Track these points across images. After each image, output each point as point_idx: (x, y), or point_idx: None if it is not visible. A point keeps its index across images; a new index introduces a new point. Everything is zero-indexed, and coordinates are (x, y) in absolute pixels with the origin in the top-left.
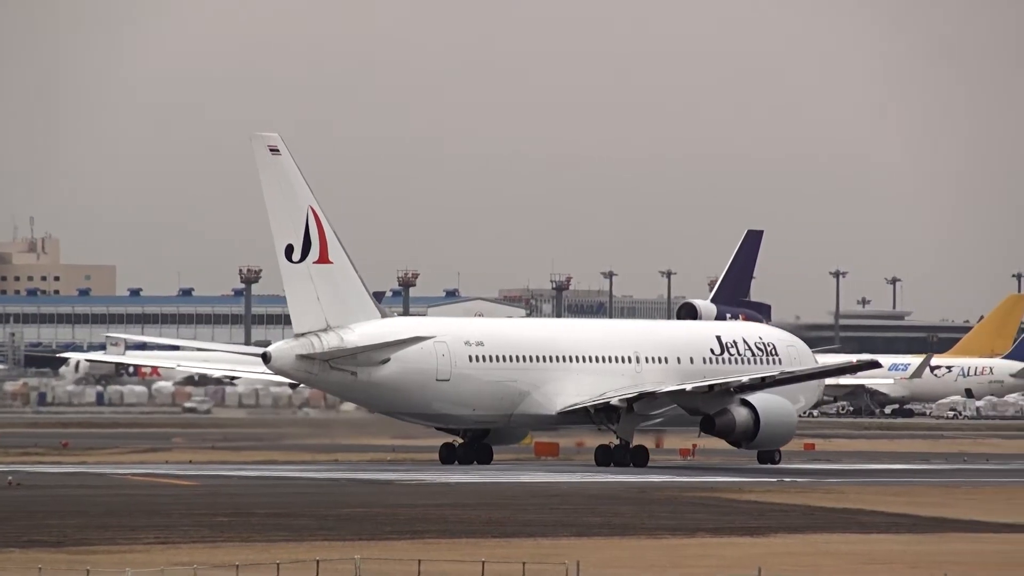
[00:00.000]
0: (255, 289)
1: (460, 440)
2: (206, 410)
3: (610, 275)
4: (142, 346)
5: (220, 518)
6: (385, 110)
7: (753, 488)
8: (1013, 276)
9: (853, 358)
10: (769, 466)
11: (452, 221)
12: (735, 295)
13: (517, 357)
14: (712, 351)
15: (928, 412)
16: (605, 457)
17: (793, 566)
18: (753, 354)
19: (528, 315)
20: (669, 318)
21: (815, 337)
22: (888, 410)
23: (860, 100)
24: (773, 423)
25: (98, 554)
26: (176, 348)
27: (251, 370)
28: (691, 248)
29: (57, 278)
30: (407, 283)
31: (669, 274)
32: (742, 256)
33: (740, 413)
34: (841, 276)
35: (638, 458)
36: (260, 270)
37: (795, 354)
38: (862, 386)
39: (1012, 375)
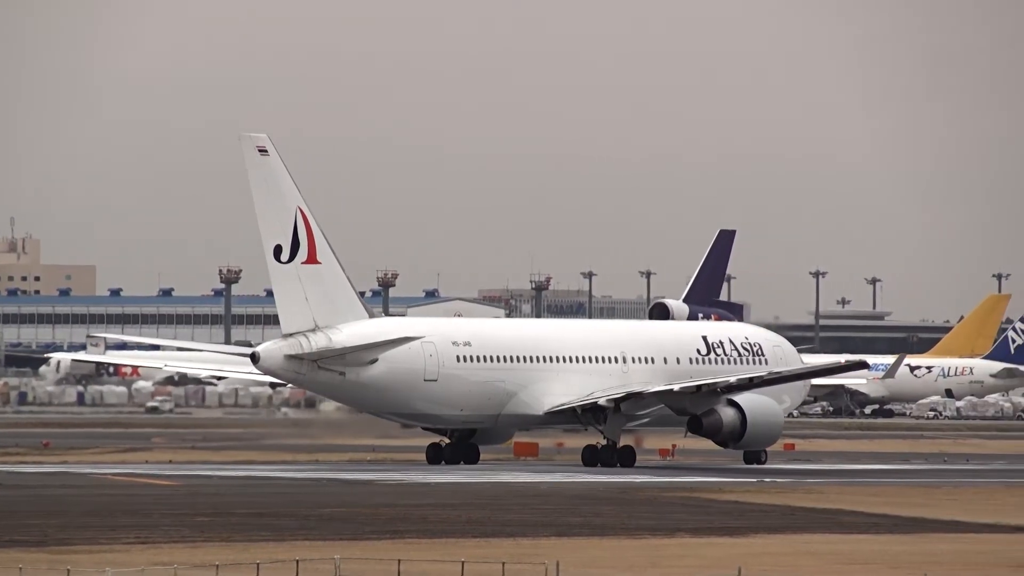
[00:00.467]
0: (235, 289)
1: (447, 440)
2: (169, 409)
3: (590, 275)
4: (122, 346)
5: (201, 518)
6: (362, 110)
7: (733, 488)
8: (993, 276)
9: (841, 358)
10: (755, 466)
11: (431, 221)
12: (707, 295)
13: (504, 357)
14: (698, 351)
15: (908, 412)
16: (592, 457)
17: (773, 566)
18: (739, 354)
19: (507, 315)
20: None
21: (794, 337)
22: (868, 410)
23: (842, 100)
24: (760, 423)
25: (79, 554)
26: (158, 348)
27: (238, 370)
28: (671, 248)
29: (37, 278)
30: (387, 283)
31: (648, 274)
32: (714, 256)
33: (727, 413)
34: (821, 276)
35: (625, 458)
36: (240, 270)
37: (781, 354)
38: (842, 386)
39: (992, 375)
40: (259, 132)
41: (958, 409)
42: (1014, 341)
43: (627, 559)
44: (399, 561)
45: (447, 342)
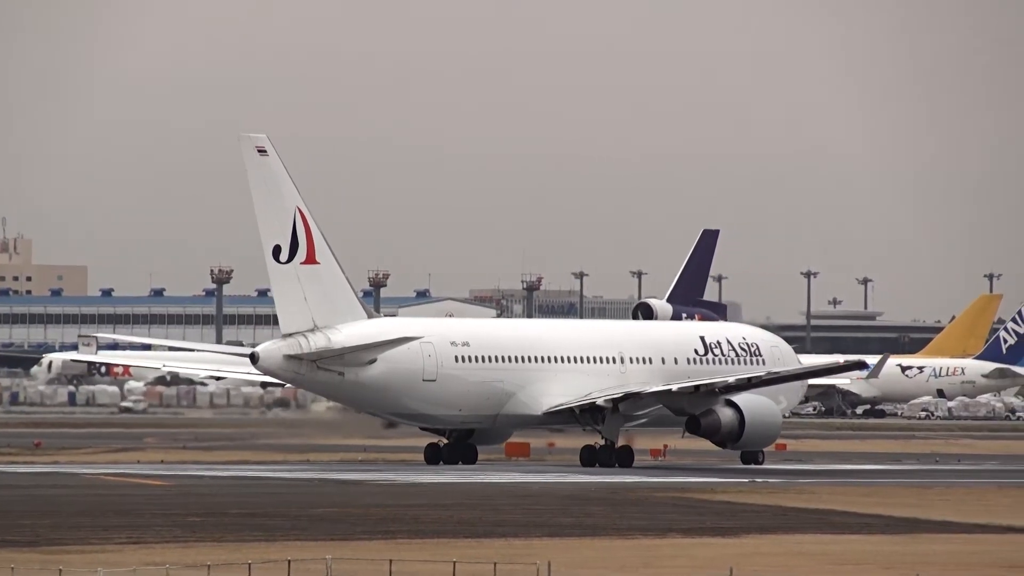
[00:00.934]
0: (226, 290)
1: (445, 440)
2: (142, 409)
3: (581, 275)
4: (114, 345)
5: (192, 518)
6: (362, 110)
7: (726, 489)
8: (985, 276)
9: (840, 358)
10: (752, 466)
11: (422, 221)
12: (691, 294)
13: (503, 357)
14: (696, 351)
15: (900, 413)
16: (590, 457)
17: (765, 567)
18: (737, 355)
19: (499, 315)
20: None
21: (786, 337)
22: (860, 411)
23: (833, 100)
24: (758, 424)
25: (71, 554)
26: (149, 347)
27: (237, 370)
28: (662, 248)
29: (29, 278)
30: (378, 284)
31: (640, 274)
32: (698, 255)
33: (725, 414)
34: (812, 276)
35: (623, 459)
36: (231, 270)
37: (778, 354)
38: (834, 386)
39: (984, 375)
40: (258, 132)
41: (950, 409)
42: (1006, 341)
43: (619, 559)
44: (391, 561)
45: (446, 342)
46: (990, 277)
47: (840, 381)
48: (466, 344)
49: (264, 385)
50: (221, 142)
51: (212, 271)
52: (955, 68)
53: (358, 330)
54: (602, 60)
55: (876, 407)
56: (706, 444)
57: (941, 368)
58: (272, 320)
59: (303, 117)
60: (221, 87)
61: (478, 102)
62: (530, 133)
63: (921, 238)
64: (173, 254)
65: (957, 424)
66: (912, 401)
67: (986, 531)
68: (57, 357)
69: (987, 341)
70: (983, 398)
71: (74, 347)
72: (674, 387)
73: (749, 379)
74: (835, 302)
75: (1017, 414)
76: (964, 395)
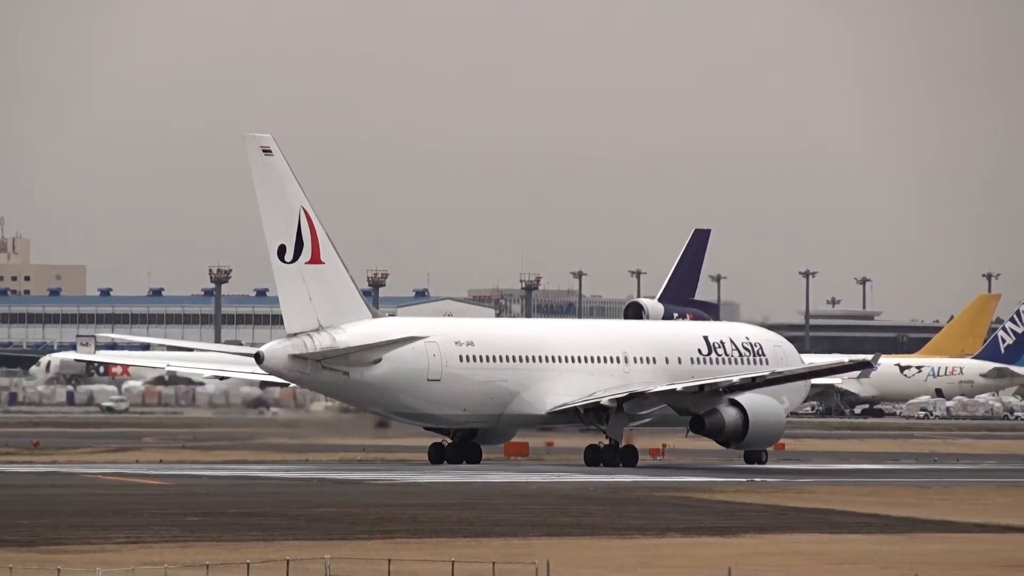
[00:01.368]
0: (225, 289)
1: (449, 440)
2: (124, 409)
3: (579, 275)
4: (113, 345)
5: (191, 518)
6: (362, 110)
7: (724, 488)
8: (983, 276)
9: (845, 358)
10: (755, 466)
11: (421, 221)
12: (683, 294)
13: (507, 357)
14: (700, 351)
15: (898, 412)
16: (595, 457)
17: (764, 566)
18: (740, 354)
19: (498, 315)
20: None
21: (784, 337)
22: (858, 410)
23: (834, 99)
24: (762, 423)
25: (69, 554)
26: (148, 347)
27: (240, 370)
28: (661, 248)
29: (28, 278)
30: (377, 283)
31: (639, 274)
32: (689, 255)
33: (729, 413)
34: (811, 276)
35: (627, 458)
36: (230, 270)
37: (781, 354)
38: (832, 386)
39: (982, 375)
40: (263, 132)
41: (948, 409)
42: (1004, 341)
43: (617, 559)
44: (389, 561)
45: (450, 342)
46: (988, 277)
47: (837, 380)
48: (470, 344)
49: (263, 385)
50: (221, 142)
51: (211, 271)
52: (955, 68)
53: (363, 330)
54: (602, 60)
55: (874, 407)
56: (705, 443)
57: (939, 368)
58: (271, 320)
59: (303, 117)
60: (221, 87)
61: (478, 102)
62: (530, 133)
63: (920, 238)
64: (172, 254)
65: (955, 424)
66: (910, 401)
67: (984, 530)
68: (56, 357)
69: (985, 341)
70: (981, 398)
71: (73, 347)
72: (678, 387)
73: (753, 379)
74: (834, 302)
75: (1015, 413)
76: (962, 395)
